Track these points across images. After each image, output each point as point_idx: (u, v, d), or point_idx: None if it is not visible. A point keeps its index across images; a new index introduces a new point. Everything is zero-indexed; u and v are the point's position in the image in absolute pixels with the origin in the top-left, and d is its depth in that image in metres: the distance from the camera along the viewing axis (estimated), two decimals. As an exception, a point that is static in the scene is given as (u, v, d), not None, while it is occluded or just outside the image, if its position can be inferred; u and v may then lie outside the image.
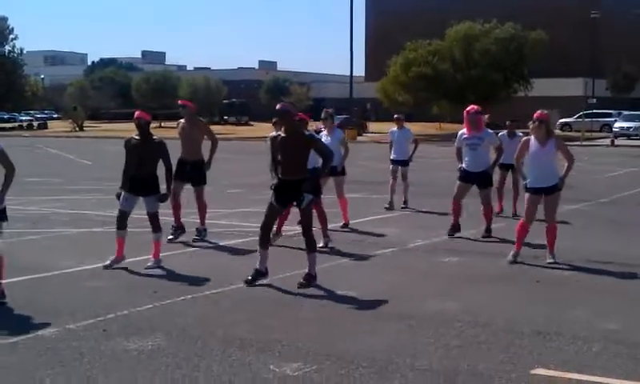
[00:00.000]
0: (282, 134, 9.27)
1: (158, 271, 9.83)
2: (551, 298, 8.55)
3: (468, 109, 12.82)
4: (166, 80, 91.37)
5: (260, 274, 9.24)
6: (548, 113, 11.06)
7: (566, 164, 10.70)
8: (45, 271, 9.82)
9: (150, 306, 8.05)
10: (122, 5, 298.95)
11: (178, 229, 12.32)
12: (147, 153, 10.25)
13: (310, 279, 9.10)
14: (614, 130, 54.64)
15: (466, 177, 12.70)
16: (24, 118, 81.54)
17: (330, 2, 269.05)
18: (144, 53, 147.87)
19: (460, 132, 12.87)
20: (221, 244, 11.98)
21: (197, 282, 9.17)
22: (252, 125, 79.95)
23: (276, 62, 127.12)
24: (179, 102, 13.08)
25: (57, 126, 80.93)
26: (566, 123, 66.02)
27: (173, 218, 12.25)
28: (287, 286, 9.02)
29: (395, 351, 6.52)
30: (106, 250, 11.33)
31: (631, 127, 54.85)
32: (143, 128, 10.26)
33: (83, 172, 26.53)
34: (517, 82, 64.86)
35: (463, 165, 12.73)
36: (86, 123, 79.36)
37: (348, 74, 63.82)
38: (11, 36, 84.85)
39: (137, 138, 10.30)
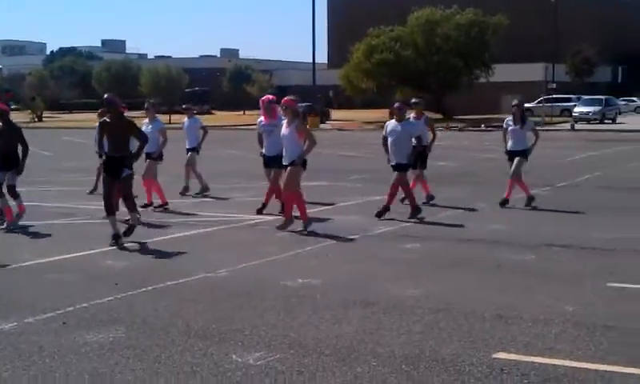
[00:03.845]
0: (108, 120, 11.28)
1: (122, 263, 9.74)
2: (511, 282, 8.62)
3: (263, 98, 14.00)
4: (127, 69, 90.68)
5: (117, 236, 10.91)
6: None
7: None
8: (3, 265, 9.68)
9: (111, 298, 7.97)
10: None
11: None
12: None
13: (132, 229, 11.23)
14: (573, 114, 55.28)
15: (265, 161, 13.76)
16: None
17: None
18: (104, 41, 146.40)
19: (259, 119, 14.05)
20: (181, 234, 11.90)
21: (157, 273, 9.09)
22: (214, 114, 79.49)
23: (238, 50, 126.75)
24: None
25: (15, 116, 79.49)
26: (527, 108, 66.39)
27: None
28: (249, 276, 9.00)
29: (358, 338, 6.52)
30: (67, 243, 11.22)
31: (590, 112, 55.53)
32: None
33: (43, 163, 26.17)
34: (478, 68, 65.28)
35: (263, 150, 13.75)
36: (46, 114, 78.14)
37: (311, 60, 63.72)
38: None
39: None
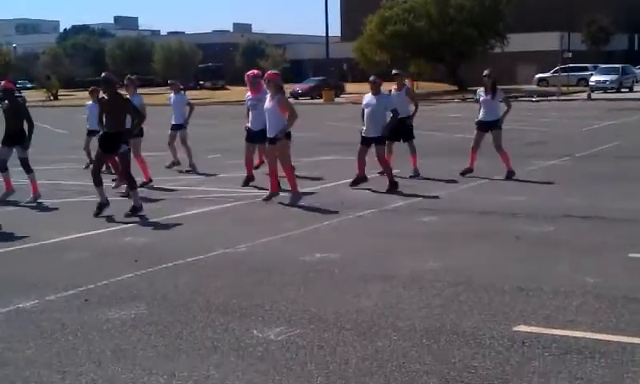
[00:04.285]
0: (106, 97, 11.74)
1: (141, 239, 9.78)
2: (531, 254, 8.59)
3: (248, 73, 14.23)
4: (140, 46, 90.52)
5: (103, 205, 11.56)
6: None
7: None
8: (23, 243, 9.75)
9: (131, 274, 8.01)
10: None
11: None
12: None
13: (135, 210, 11.36)
14: (590, 83, 54.77)
15: (248, 134, 14.07)
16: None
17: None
18: (116, 18, 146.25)
19: (247, 94, 14.24)
20: (199, 211, 11.93)
21: (177, 249, 9.12)
22: (228, 89, 79.27)
23: (251, 25, 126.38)
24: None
25: (30, 95, 79.90)
26: (543, 78, 66.12)
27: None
28: (268, 252, 9.02)
29: (378, 312, 6.53)
30: (85, 221, 11.27)
31: (607, 80, 54.98)
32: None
33: (59, 141, 26.27)
34: (493, 38, 64.74)
35: (248, 124, 14.04)
36: (61, 92, 78.30)
37: (324, 34, 63.41)
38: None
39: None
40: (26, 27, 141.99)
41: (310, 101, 56.42)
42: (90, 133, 16.96)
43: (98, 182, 11.62)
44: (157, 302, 7.02)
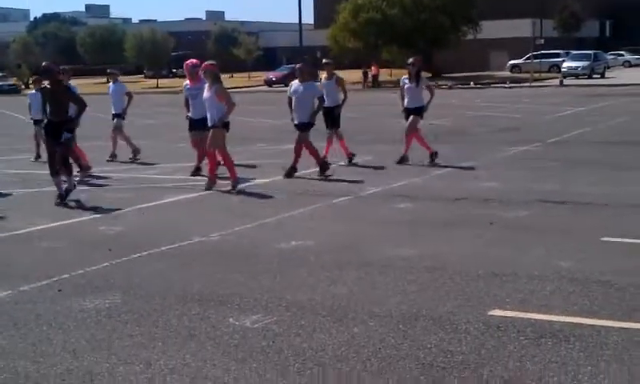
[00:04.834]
0: (48, 87, 12.01)
1: (115, 229, 9.72)
2: (505, 239, 8.65)
3: (187, 62, 14.51)
4: (111, 34, 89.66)
5: (61, 196, 11.67)
6: None
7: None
8: (-4, 233, 9.64)
9: (106, 264, 7.96)
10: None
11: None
12: None
13: (67, 193, 11.73)
14: (562, 70, 55.20)
15: (190, 123, 14.26)
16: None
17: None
18: (87, 6, 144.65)
19: (185, 83, 14.55)
20: (173, 199, 11.88)
21: (152, 238, 9.07)
22: (201, 77, 78.87)
23: (223, 12, 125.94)
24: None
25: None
26: (515, 65, 66.46)
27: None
28: (243, 240, 9.00)
29: (354, 299, 6.54)
30: (57, 210, 11.18)
31: (579, 67, 55.45)
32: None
33: (30, 131, 25.96)
34: (465, 25, 64.94)
35: (189, 113, 14.25)
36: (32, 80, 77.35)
37: (297, 21, 63.23)
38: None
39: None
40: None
41: (284, 88, 56.20)
42: (36, 122, 16.80)
43: (53, 173, 11.77)
44: (132, 291, 6.98)
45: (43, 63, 12.46)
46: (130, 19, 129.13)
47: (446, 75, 62.87)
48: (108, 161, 16.51)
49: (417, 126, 14.94)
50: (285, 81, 60.92)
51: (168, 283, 7.21)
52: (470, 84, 53.25)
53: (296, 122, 13.77)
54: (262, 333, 5.81)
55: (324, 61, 15.63)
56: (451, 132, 21.30)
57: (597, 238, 8.45)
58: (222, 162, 12.70)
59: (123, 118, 17.03)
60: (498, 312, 6.09)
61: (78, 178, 13.15)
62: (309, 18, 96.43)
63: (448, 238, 8.83)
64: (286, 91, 14.60)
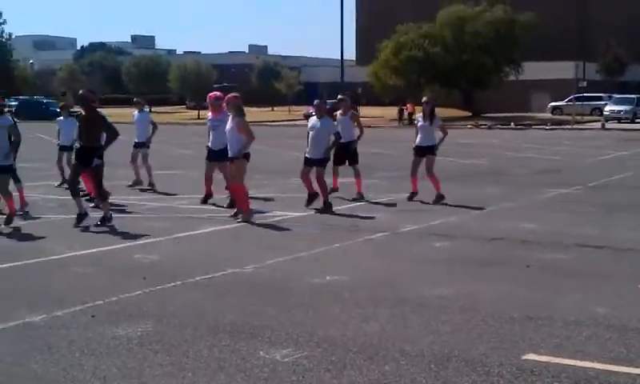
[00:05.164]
0: (83, 113, 12.46)
1: (150, 257, 9.78)
2: (541, 282, 8.53)
3: (210, 94, 14.86)
4: (156, 64, 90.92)
5: (81, 216, 12.10)
6: None
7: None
8: (33, 257, 9.75)
9: (139, 292, 8.00)
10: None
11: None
12: None
13: (104, 220, 12.01)
14: (604, 113, 54.71)
15: (209, 153, 14.56)
16: (13, 104, 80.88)
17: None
18: (133, 37, 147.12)
19: (207, 115, 15.00)
20: (209, 230, 11.93)
21: (186, 268, 9.11)
22: (242, 109, 79.51)
23: (266, 46, 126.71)
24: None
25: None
26: (557, 107, 66.06)
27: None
28: (277, 273, 8.99)
29: (386, 337, 6.48)
30: (95, 236, 11.29)
31: (622, 110, 54.94)
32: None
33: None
34: (507, 66, 64.84)
35: (209, 144, 14.56)
36: (77, 108, 78.60)
37: (339, 57, 63.60)
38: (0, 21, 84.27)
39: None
40: (43, 44, 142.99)
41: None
42: (62, 148, 17.02)
43: (75, 193, 12.32)
44: (164, 320, 7.00)
45: (80, 91, 12.86)
46: (175, 51, 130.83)
47: (487, 115, 62.66)
48: (141, 190, 16.68)
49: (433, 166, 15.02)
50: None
51: (200, 313, 7.22)
52: (510, 125, 52.99)
53: (309, 156, 13.96)
54: (292, 367, 5.77)
55: (339, 97, 16.08)
56: (490, 172, 21.18)
57: (635, 285, 8.29)
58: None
59: (148, 147, 17.22)
60: (532, 356, 5.98)
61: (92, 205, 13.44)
62: (351, 54, 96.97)
63: (484, 278, 8.73)
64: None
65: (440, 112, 51.98)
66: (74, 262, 9.60)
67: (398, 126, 54.01)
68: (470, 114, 65.17)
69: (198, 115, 69.25)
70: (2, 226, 11.90)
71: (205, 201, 14.51)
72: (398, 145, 29.66)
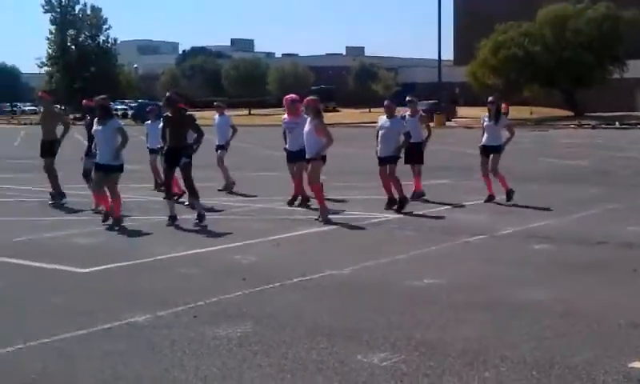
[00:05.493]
0: (169, 115, 12.81)
1: (249, 258, 9.91)
2: (649, 287, 8.24)
3: (287, 97, 15.06)
4: (255, 67, 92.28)
5: (173, 218, 12.55)
6: None
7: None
8: (138, 258, 10.02)
9: (239, 293, 8.11)
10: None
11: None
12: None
13: (200, 218, 12.52)
14: None
15: (287, 155, 14.84)
16: (119, 107, 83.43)
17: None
18: (233, 40, 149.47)
19: (283, 117, 15.24)
20: (306, 232, 12.01)
21: (284, 269, 9.19)
22: (339, 111, 79.91)
23: (363, 48, 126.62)
24: (38, 94, 17.17)
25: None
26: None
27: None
28: (374, 275, 8.98)
29: (486, 342, 6.38)
30: (196, 238, 11.52)
31: None
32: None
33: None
34: (611, 64, 62.94)
35: (287, 145, 14.86)
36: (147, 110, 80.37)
37: (436, 57, 63.10)
38: (105, 26, 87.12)
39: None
40: (147, 48, 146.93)
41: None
42: (152, 151, 17.37)
43: (168, 196, 12.88)
44: (264, 321, 7.08)
45: (167, 93, 13.48)
46: (274, 53, 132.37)
47: (590, 114, 60.97)
48: (219, 191, 16.94)
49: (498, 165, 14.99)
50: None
51: (298, 315, 7.27)
52: (615, 124, 51.42)
53: (380, 155, 14.04)
54: (390, 372, 5.75)
55: (407, 98, 15.96)
56: (594, 173, 20.60)
57: None
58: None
59: (226, 149, 17.50)
60: (638, 365, 5.78)
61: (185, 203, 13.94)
62: (448, 54, 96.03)
63: (587, 282, 8.50)
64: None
65: (542, 112, 50.91)
66: (176, 262, 9.82)
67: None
68: (573, 113, 63.58)
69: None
70: (115, 227, 12.35)
71: (292, 202, 14.70)
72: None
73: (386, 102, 14.41)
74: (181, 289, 8.38)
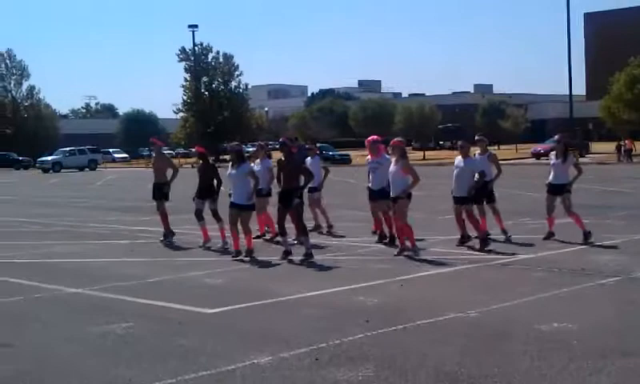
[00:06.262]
0: (282, 158, 13.64)
1: (373, 300, 9.84)
2: None
3: (368, 138, 15.29)
4: (382, 108, 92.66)
5: (287, 253, 13.21)
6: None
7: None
8: (265, 298, 10.11)
9: (362, 335, 8.04)
10: (339, 36, 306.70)
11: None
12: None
13: (308, 256, 13.00)
14: None
15: (369, 194, 15.09)
16: (249, 149, 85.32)
17: (546, 20, 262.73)
18: (360, 82, 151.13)
19: (367, 158, 15.44)
20: (432, 272, 11.83)
21: (408, 311, 9.05)
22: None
23: (492, 85, 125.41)
24: (151, 139, 17.70)
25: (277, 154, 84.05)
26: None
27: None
28: (502, 318, 8.71)
29: (619, 391, 6.05)
30: (319, 278, 11.54)
31: None
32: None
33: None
34: None
35: (370, 184, 15.06)
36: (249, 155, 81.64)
37: (567, 93, 61.55)
38: (237, 73, 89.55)
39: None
40: (277, 92, 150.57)
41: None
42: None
43: (282, 233, 13.46)
44: (385, 365, 6.97)
45: (280, 138, 14.38)
46: (400, 94, 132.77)
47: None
48: (319, 233, 16.90)
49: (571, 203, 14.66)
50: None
51: (421, 359, 7.12)
52: None
53: (454, 195, 14.28)
54: (516, 420, 5.52)
55: (476, 137, 15.80)
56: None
57: None
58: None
59: (319, 190, 17.40)
60: None
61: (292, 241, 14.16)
62: (580, 89, 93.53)
63: None
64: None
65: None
66: (300, 303, 9.84)
67: (616, 162, 51.59)
68: None
69: (424, 156, 69.55)
70: (246, 258, 13.47)
71: (380, 240, 15.03)
72: (620, 183, 27.97)
73: (460, 143, 14.60)
74: (304, 330, 8.38)
